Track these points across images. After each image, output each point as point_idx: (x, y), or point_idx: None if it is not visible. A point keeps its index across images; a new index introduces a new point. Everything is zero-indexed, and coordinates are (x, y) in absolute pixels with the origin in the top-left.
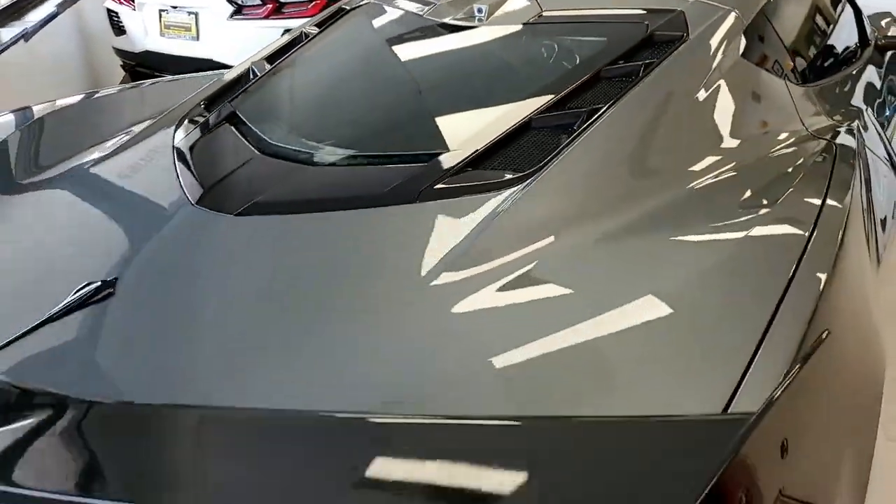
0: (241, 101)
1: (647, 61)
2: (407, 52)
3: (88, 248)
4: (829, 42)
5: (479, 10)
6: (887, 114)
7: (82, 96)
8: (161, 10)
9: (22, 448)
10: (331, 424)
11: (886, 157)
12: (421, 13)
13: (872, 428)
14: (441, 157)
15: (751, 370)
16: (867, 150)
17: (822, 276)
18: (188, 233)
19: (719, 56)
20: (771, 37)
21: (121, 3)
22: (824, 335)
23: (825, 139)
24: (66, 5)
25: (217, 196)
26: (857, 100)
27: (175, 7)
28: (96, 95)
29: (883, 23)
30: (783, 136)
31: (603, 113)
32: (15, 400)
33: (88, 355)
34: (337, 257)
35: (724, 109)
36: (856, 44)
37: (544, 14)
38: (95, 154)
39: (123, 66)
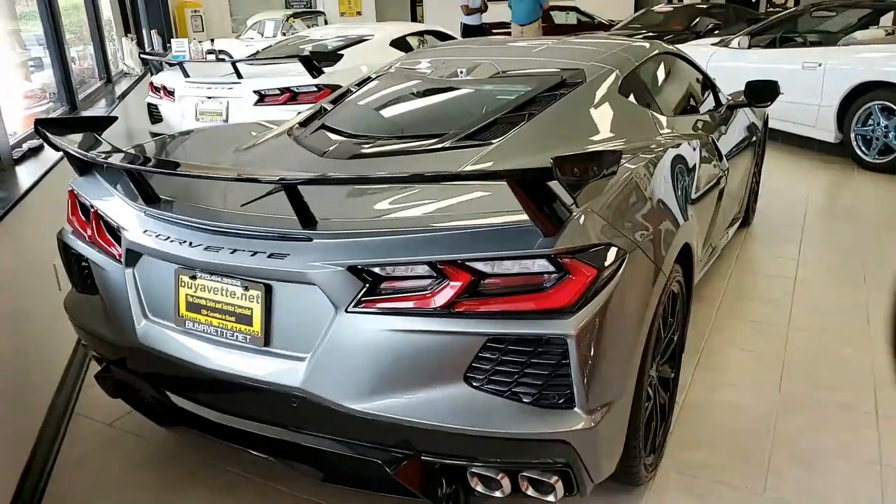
0: (327, 119)
1: (561, 92)
2: (421, 91)
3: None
4: (691, 97)
5: (462, 72)
6: (735, 144)
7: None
8: (198, 101)
9: None
10: None
11: (719, 158)
12: (426, 75)
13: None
14: (450, 134)
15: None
16: (703, 152)
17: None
18: (324, 165)
19: (603, 91)
20: (640, 85)
21: (162, 97)
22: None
23: (669, 142)
24: (121, 98)
25: (332, 154)
26: (706, 131)
27: (210, 97)
28: (209, 128)
29: (739, 98)
30: (643, 137)
31: (532, 117)
32: None
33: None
34: (410, 168)
35: (605, 117)
36: (713, 105)
37: (501, 73)
38: (252, 143)
39: None
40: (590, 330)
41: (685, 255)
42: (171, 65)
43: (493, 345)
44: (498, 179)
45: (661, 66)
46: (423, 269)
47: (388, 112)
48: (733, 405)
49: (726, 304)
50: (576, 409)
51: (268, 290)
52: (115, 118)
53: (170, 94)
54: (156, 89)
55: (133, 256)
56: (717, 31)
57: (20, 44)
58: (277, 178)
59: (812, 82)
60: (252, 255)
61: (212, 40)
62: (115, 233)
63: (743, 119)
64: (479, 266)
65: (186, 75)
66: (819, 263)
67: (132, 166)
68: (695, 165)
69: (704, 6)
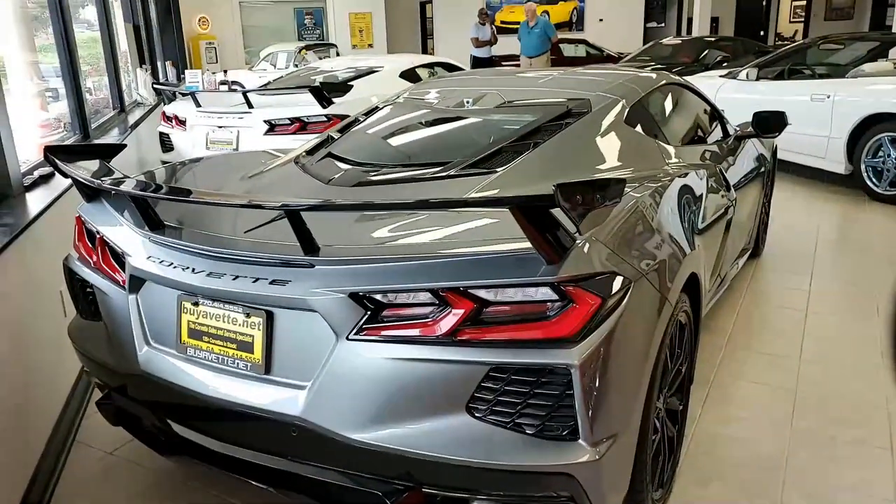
0: (333, 147)
1: (567, 121)
2: (427, 120)
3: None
4: (698, 127)
5: (468, 102)
6: (743, 174)
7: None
8: (209, 130)
9: None
10: None
11: (727, 189)
12: (433, 104)
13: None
14: (455, 162)
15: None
16: (710, 182)
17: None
18: (330, 192)
19: (609, 121)
20: (646, 115)
21: (173, 127)
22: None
23: (676, 171)
24: (133, 127)
25: (338, 181)
26: (713, 161)
27: (221, 127)
28: (218, 155)
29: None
30: (650, 166)
31: (537, 146)
32: None
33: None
34: (415, 195)
35: (611, 147)
36: (721, 136)
37: (507, 102)
38: (258, 171)
39: None
40: (594, 360)
41: (692, 285)
42: (183, 95)
43: (496, 374)
44: (501, 206)
45: (668, 97)
46: (425, 297)
47: (394, 140)
48: (744, 439)
49: (736, 335)
50: (580, 441)
51: (269, 317)
52: (125, 145)
53: (181, 123)
54: (167, 119)
55: (136, 282)
56: (725, 64)
57: (38, 75)
58: (280, 203)
59: (821, 114)
60: (254, 281)
61: (225, 71)
62: (119, 259)
63: (751, 150)
64: (482, 294)
65: (198, 105)
66: (831, 295)
67: (137, 192)
68: (702, 195)
69: (712, 39)
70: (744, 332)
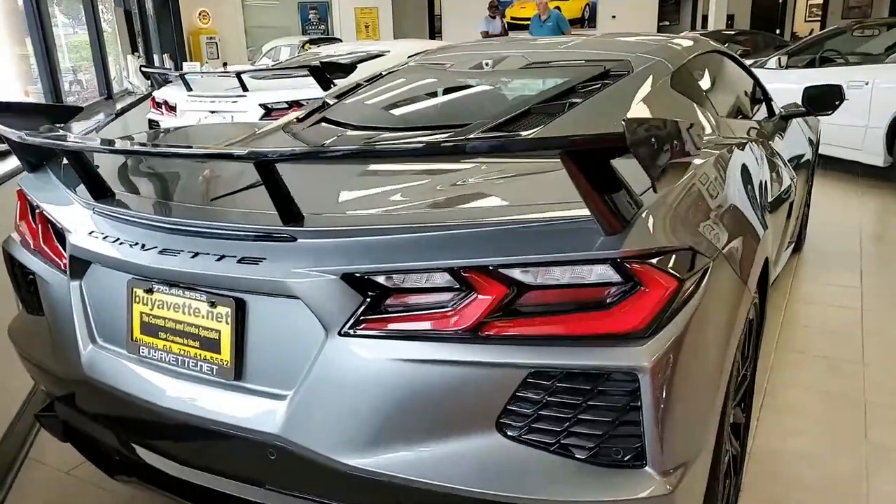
0: (329, 112)
1: (604, 82)
2: (440, 83)
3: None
4: (745, 101)
5: (487, 64)
6: (792, 155)
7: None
8: (201, 116)
9: None
10: None
11: (781, 160)
12: (447, 67)
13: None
14: (473, 125)
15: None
16: (772, 158)
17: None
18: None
19: (651, 82)
20: (691, 82)
21: (163, 113)
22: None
23: (733, 142)
24: (119, 114)
25: (332, 146)
26: (761, 136)
27: (213, 112)
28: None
29: (793, 108)
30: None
31: (573, 107)
32: None
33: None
34: (422, 163)
35: (655, 112)
36: (766, 115)
37: (531, 63)
38: (239, 139)
39: None
40: (668, 361)
41: (762, 274)
42: (171, 81)
43: (536, 381)
44: (550, 149)
45: (715, 65)
46: (442, 279)
47: (401, 104)
48: (812, 456)
49: (786, 336)
50: (647, 468)
51: (239, 307)
52: (81, 108)
53: (171, 109)
54: (157, 105)
55: (79, 265)
56: (745, 58)
57: (27, 65)
58: (247, 152)
59: (859, 102)
60: (218, 259)
61: (224, 64)
62: (62, 238)
63: (798, 132)
64: (518, 274)
65: (189, 89)
66: (885, 293)
67: (69, 144)
68: (765, 171)
69: (732, 32)
70: (793, 332)
